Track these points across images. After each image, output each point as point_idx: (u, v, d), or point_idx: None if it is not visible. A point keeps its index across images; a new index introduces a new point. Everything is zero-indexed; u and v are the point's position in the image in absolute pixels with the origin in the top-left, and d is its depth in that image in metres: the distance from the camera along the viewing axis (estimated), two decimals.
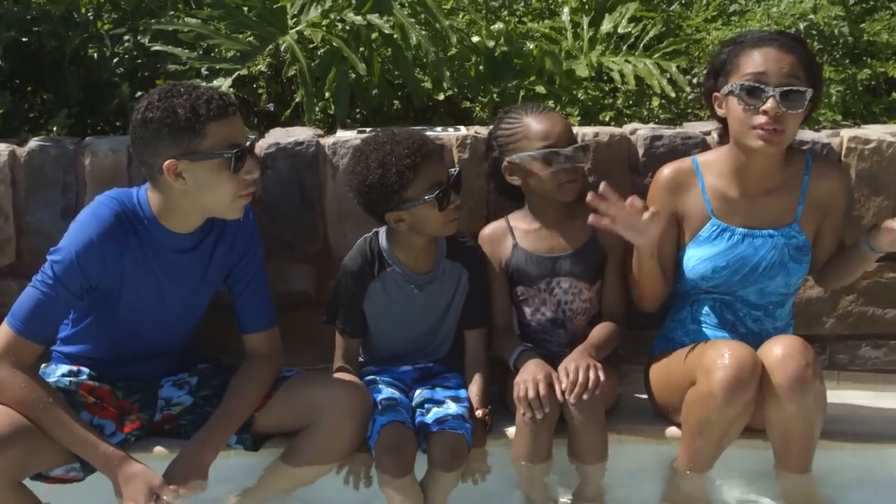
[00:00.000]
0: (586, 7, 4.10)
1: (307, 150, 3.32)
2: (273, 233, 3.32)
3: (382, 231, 3.14)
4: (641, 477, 3.06)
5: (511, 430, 3.02)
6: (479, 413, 3.05)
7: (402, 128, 3.24)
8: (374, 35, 3.71)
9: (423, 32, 3.60)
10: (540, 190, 3.11)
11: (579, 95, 3.76)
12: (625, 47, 3.91)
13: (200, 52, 3.66)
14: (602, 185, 2.78)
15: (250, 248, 2.99)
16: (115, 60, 3.72)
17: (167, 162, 2.70)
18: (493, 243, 3.20)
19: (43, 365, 2.97)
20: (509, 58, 3.83)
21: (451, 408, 3.01)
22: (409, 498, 2.87)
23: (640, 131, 3.40)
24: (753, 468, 2.98)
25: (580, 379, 2.90)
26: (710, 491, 2.96)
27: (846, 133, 3.40)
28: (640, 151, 3.37)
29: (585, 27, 3.98)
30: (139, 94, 3.68)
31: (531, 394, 2.90)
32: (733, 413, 2.77)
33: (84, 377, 2.93)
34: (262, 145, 3.32)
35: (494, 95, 3.74)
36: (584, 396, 2.88)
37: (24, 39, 3.63)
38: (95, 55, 3.73)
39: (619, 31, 3.95)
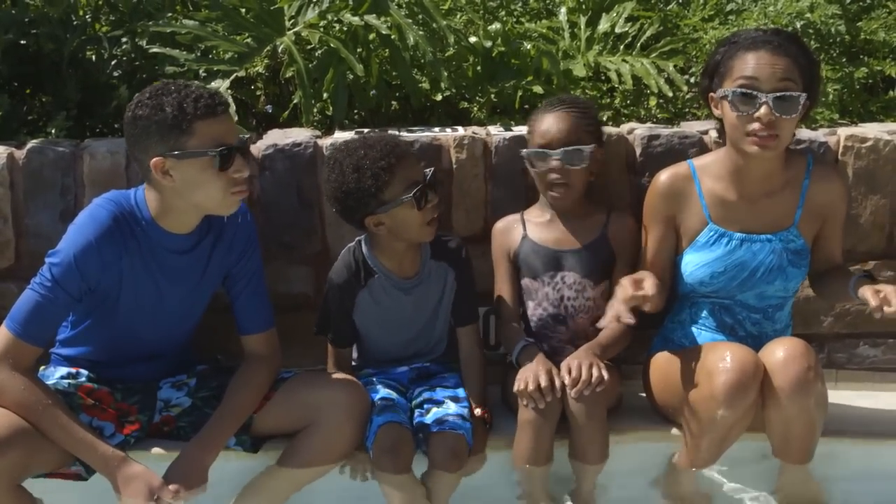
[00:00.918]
0: (583, 7, 4.09)
1: (305, 152, 3.32)
2: (271, 234, 3.33)
3: (364, 240, 3.14)
4: (641, 476, 3.07)
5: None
6: (477, 412, 3.06)
7: (373, 131, 3.25)
8: (371, 36, 3.71)
9: (421, 33, 3.60)
10: (538, 186, 3.16)
11: (577, 95, 3.75)
12: (622, 47, 3.91)
13: (198, 54, 3.65)
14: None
15: (248, 249, 3.00)
16: (112, 63, 3.72)
17: (154, 159, 2.71)
18: (505, 234, 3.23)
19: (42, 367, 2.98)
20: (507, 58, 3.82)
21: (451, 408, 3.02)
22: (408, 496, 2.88)
23: (637, 131, 3.41)
24: (753, 461, 2.99)
25: (583, 376, 2.89)
26: (710, 487, 2.96)
27: (843, 132, 3.40)
28: (638, 151, 3.37)
29: (582, 27, 3.98)
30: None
31: (531, 386, 2.89)
32: (735, 416, 2.77)
33: (83, 379, 2.94)
34: (260, 147, 3.32)
35: (492, 96, 3.73)
36: (586, 392, 2.88)
37: (22, 42, 3.64)
38: (93, 57, 3.74)
39: (617, 30, 3.94)
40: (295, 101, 3.64)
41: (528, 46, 3.83)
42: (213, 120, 2.71)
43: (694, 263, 3.02)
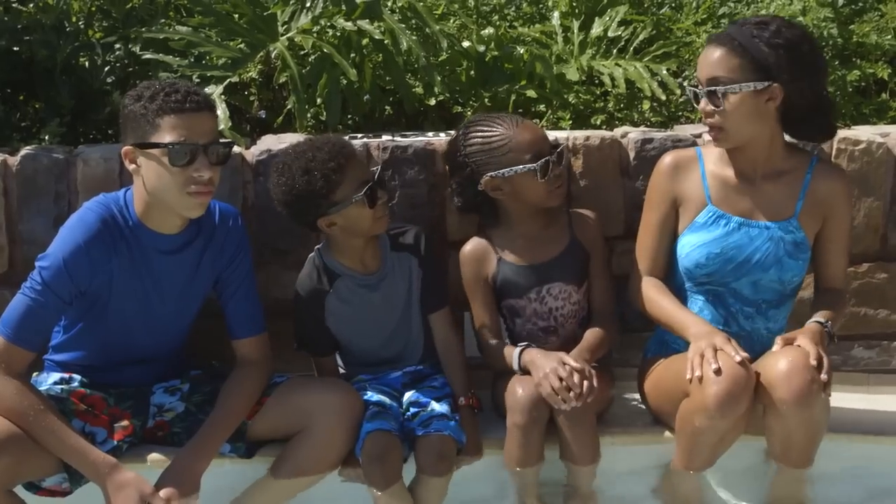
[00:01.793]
0: (576, 11, 4.10)
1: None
2: (265, 239, 3.33)
3: (322, 247, 3.14)
4: (636, 478, 3.07)
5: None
6: (461, 401, 3.05)
7: (319, 134, 3.25)
8: (364, 41, 3.71)
9: (414, 38, 3.60)
10: (530, 199, 3.10)
11: (570, 99, 3.76)
12: (615, 51, 3.92)
13: (191, 60, 3.65)
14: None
15: (239, 253, 3.00)
16: (106, 69, 3.72)
17: (124, 148, 2.77)
18: (478, 261, 3.17)
19: (35, 373, 2.97)
20: (500, 62, 3.83)
21: (435, 408, 3.02)
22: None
23: (631, 134, 3.41)
24: (749, 465, 2.99)
25: (573, 390, 2.86)
26: (705, 490, 2.96)
27: (836, 134, 3.40)
28: (632, 155, 3.37)
29: (575, 31, 3.98)
30: None
31: (556, 384, 2.86)
32: (726, 425, 2.76)
33: (76, 384, 2.94)
34: (254, 152, 3.32)
35: (486, 100, 3.74)
36: (577, 404, 2.86)
37: (15, 49, 3.63)
38: (87, 64, 3.74)
39: (610, 34, 3.95)
40: (288, 107, 3.64)
41: (522, 51, 3.83)
42: (179, 116, 2.72)
43: (691, 244, 3.01)
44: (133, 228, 2.85)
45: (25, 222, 3.29)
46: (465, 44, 3.89)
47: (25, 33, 3.65)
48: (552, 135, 3.26)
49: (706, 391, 2.73)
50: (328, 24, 3.68)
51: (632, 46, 3.91)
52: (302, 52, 3.71)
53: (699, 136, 3.37)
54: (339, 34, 3.68)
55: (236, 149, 3.21)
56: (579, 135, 3.39)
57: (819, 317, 2.91)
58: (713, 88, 2.84)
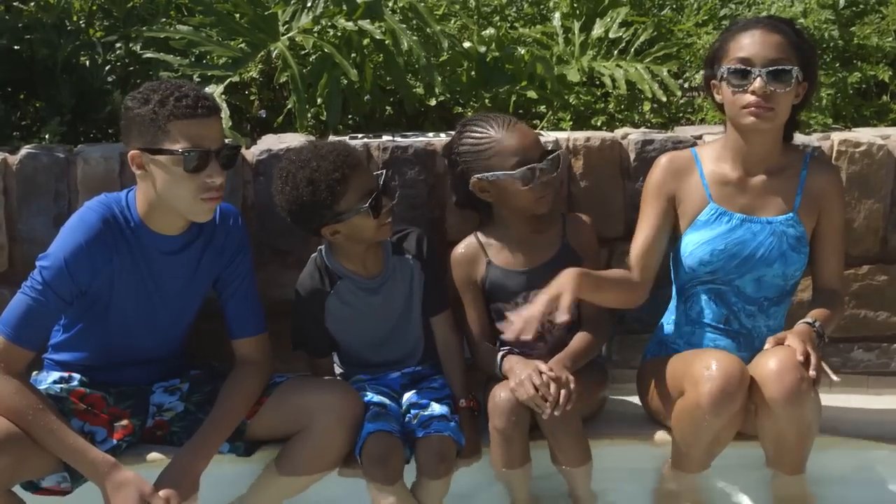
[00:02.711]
0: (577, 12, 4.10)
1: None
2: (266, 239, 3.33)
3: (326, 247, 3.14)
4: (633, 479, 3.08)
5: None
6: (462, 402, 3.05)
7: (324, 140, 3.23)
8: (365, 41, 3.71)
9: (415, 38, 3.60)
10: (515, 205, 3.09)
11: (571, 100, 3.76)
12: (616, 52, 3.92)
13: (192, 59, 3.65)
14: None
15: (239, 253, 3.00)
16: (106, 68, 3.72)
17: (131, 152, 2.74)
18: (468, 263, 3.16)
19: (34, 372, 2.97)
20: (501, 63, 3.83)
21: (435, 409, 3.02)
22: None
23: (631, 136, 3.41)
24: (745, 467, 2.99)
25: (551, 397, 2.84)
26: (702, 491, 2.96)
27: (837, 136, 3.41)
28: (632, 156, 3.37)
29: (576, 32, 3.98)
30: None
31: (530, 392, 2.85)
32: (721, 424, 2.77)
33: (75, 383, 2.94)
34: (255, 152, 3.32)
35: (486, 101, 3.74)
36: (556, 413, 2.84)
37: (15, 47, 3.64)
38: (87, 63, 3.73)
39: (611, 35, 3.95)
40: (289, 107, 3.64)
41: (523, 52, 3.83)
42: (190, 121, 2.71)
43: (694, 242, 3.02)
44: (135, 229, 2.85)
45: (25, 221, 3.29)
46: (466, 44, 3.89)
47: (26, 32, 3.65)
48: (553, 137, 3.25)
49: (700, 389, 2.74)
50: (329, 23, 3.68)
51: (633, 48, 3.91)
52: (303, 52, 3.71)
53: (699, 137, 3.38)
54: (339, 34, 3.68)
55: None
56: (580, 136, 3.39)
57: (810, 317, 2.91)
58: (782, 68, 2.85)
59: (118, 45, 3.77)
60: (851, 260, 3.43)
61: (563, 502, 3.03)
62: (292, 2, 3.72)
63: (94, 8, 3.97)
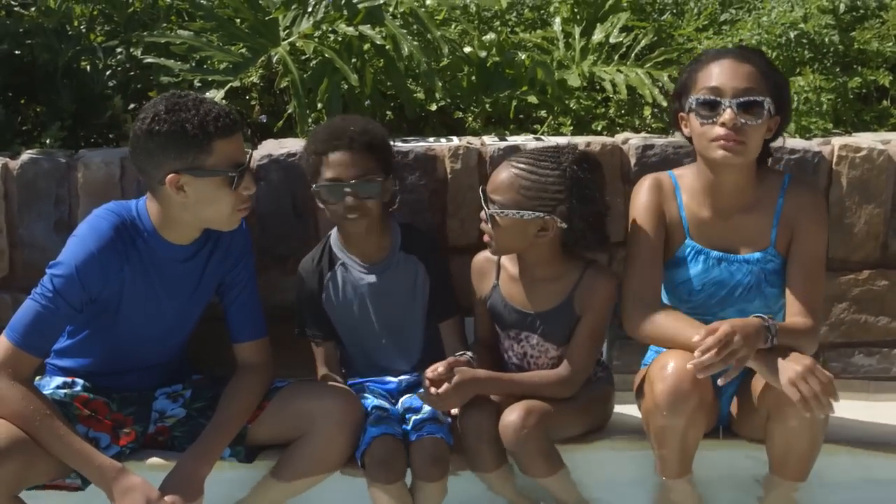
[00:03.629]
0: (578, 17, 4.11)
1: (300, 162, 3.32)
2: (266, 244, 3.33)
3: (333, 230, 3.16)
4: (636, 486, 3.06)
5: None
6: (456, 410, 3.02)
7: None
8: (366, 46, 3.72)
9: (415, 43, 3.61)
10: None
11: (571, 105, 3.76)
12: (616, 57, 3.92)
13: (193, 64, 3.66)
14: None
15: (243, 257, 3.01)
16: (107, 73, 3.72)
17: (170, 176, 2.71)
18: (481, 275, 3.14)
19: (38, 377, 2.97)
20: (501, 68, 3.83)
21: (426, 410, 3.01)
22: None
23: (631, 141, 3.41)
24: (744, 472, 3.00)
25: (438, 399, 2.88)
26: (700, 497, 2.95)
27: (837, 141, 3.41)
28: (633, 161, 3.37)
29: (577, 37, 3.99)
30: (132, 106, 3.71)
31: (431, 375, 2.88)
32: (681, 422, 2.75)
33: (79, 388, 2.94)
34: (255, 157, 3.32)
35: (487, 106, 3.74)
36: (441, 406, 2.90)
37: (16, 52, 3.64)
38: (88, 68, 3.74)
39: (611, 40, 3.96)
40: (289, 111, 3.64)
41: (523, 56, 3.84)
42: (230, 139, 2.74)
43: (672, 280, 2.99)
44: (147, 239, 2.85)
45: (26, 226, 3.29)
46: (467, 49, 3.90)
47: (27, 37, 3.65)
48: (553, 141, 3.25)
49: (655, 389, 2.74)
50: (330, 28, 3.69)
51: (633, 53, 3.92)
52: (303, 57, 3.71)
53: None
54: (340, 39, 3.69)
55: None
56: (580, 140, 3.39)
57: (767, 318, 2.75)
58: (753, 99, 2.77)
59: (119, 50, 3.77)
60: (852, 265, 3.43)
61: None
62: (293, 7, 3.72)
63: (95, 13, 3.98)
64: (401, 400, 3.15)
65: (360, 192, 2.97)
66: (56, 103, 3.59)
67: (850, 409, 3.33)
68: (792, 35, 3.87)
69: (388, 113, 3.82)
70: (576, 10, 4.12)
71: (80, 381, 2.96)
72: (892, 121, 3.80)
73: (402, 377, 3.21)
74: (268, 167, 3.30)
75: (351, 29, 3.60)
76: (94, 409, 2.91)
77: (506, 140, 3.42)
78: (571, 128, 3.67)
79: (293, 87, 3.51)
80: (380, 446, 2.89)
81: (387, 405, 3.08)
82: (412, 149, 3.35)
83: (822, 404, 2.61)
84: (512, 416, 2.88)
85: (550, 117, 3.73)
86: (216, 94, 3.46)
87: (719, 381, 2.67)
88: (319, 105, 3.59)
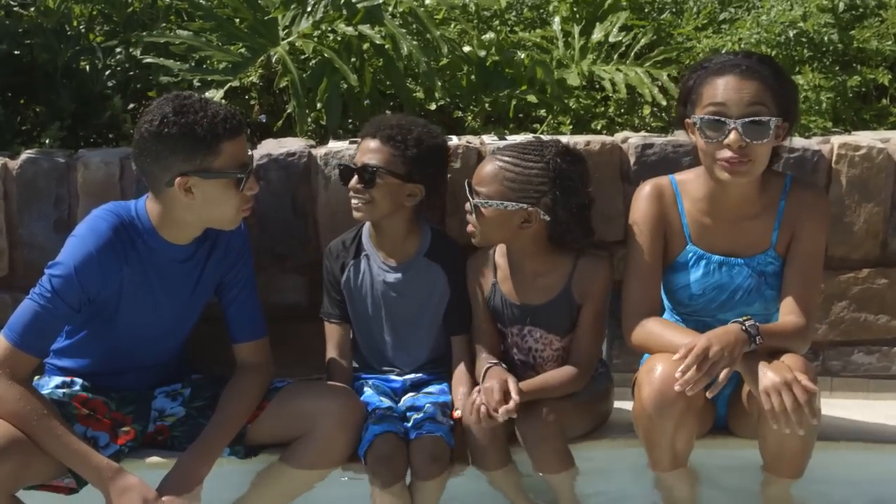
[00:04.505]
0: (577, 16, 4.11)
1: (299, 161, 3.32)
2: (265, 244, 3.33)
3: (368, 223, 3.18)
4: (637, 480, 3.06)
5: None
6: (457, 413, 3.03)
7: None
8: (365, 46, 3.72)
9: (415, 43, 3.61)
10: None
11: (571, 104, 3.76)
12: (616, 56, 3.92)
13: (192, 64, 3.66)
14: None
15: (241, 257, 3.01)
16: (107, 73, 3.72)
17: (179, 178, 2.71)
18: (478, 273, 3.14)
19: (36, 377, 2.97)
20: (501, 67, 3.83)
21: (428, 410, 3.02)
22: None
23: (631, 140, 3.41)
24: (742, 469, 2.99)
25: (481, 410, 2.85)
26: (699, 492, 2.96)
27: (836, 140, 3.41)
28: (632, 160, 3.37)
29: (576, 36, 3.99)
30: (131, 106, 3.70)
31: (479, 402, 2.86)
32: (669, 424, 2.75)
33: (77, 388, 2.94)
34: (255, 156, 3.32)
35: (486, 105, 3.74)
36: (484, 425, 2.86)
37: (16, 52, 3.64)
38: (87, 68, 3.74)
39: (611, 39, 3.96)
40: (289, 111, 3.64)
41: (522, 56, 3.84)
42: (236, 140, 2.75)
43: (673, 284, 2.99)
44: (147, 239, 2.85)
45: (25, 226, 3.29)
46: (466, 49, 3.90)
47: (26, 37, 3.66)
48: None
49: (642, 392, 2.75)
50: (329, 28, 3.69)
51: (632, 52, 3.92)
52: (303, 57, 3.71)
53: None
54: (339, 39, 3.69)
55: None
56: (580, 139, 3.39)
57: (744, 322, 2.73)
58: (759, 119, 2.72)
59: (118, 50, 3.78)
60: (852, 263, 3.43)
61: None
62: (292, 6, 3.72)
63: (95, 13, 3.98)
64: (403, 398, 3.16)
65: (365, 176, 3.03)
66: (55, 103, 3.59)
67: (850, 407, 3.34)
68: (791, 34, 3.87)
69: (388, 112, 3.82)
70: (575, 9, 4.12)
71: (78, 380, 2.96)
72: (891, 119, 3.80)
73: (406, 377, 3.22)
74: (267, 167, 3.30)
75: (350, 28, 3.60)
76: (93, 409, 2.91)
77: (505, 139, 3.42)
78: (571, 127, 3.67)
79: (292, 86, 3.51)
80: (382, 444, 2.90)
81: (390, 403, 3.09)
82: None
83: (792, 421, 2.58)
84: (533, 413, 2.90)
85: (550, 116, 3.73)
86: (215, 94, 3.46)
87: (707, 394, 2.66)
88: (319, 105, 3.59)
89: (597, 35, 3.98)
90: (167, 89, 3.64)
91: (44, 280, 2.77)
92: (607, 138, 3.44)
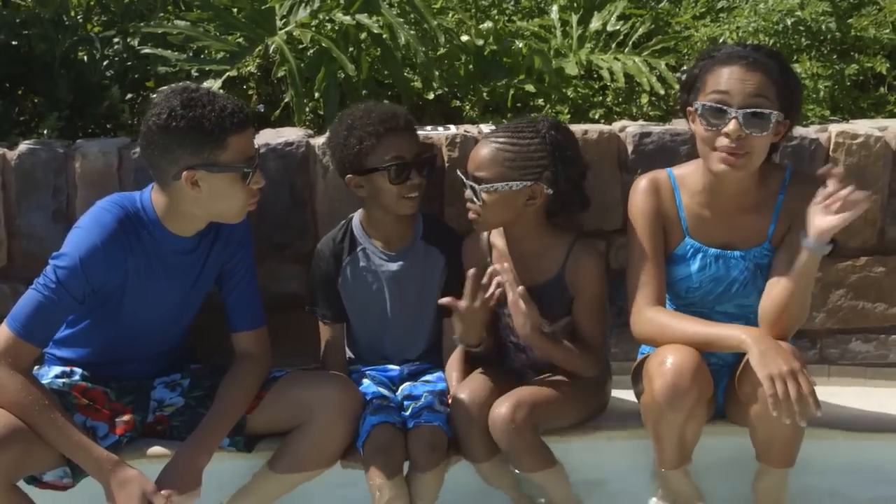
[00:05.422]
0: (575, 5, 4.10)
1: (297, 151, 3.33)
2: (264, 233, 3.33)
3: (357, 213, 3.19)
4: (635, 475, 3.07)
5: None
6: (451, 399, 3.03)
7: (381, 103, 3.33)
8: (363, 35, 3.72)
9: (412, 32, 3.61)
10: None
11: (569, 93, 3.76)
12: (614, 45, 3.92)
13: (190, 54, 3.66)
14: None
15: (242, 246, 3.02)
16: (104, 63, 3.72)
17: (186, 172, 2.72)
18: (472, 254, 3.13)
19: (36, 367, 2.97)
20: (498, 57, 3.83)
21: (426, 399, 3.03)
22: (396, 498, 2.87)
23: (629, 129, 3.41)
24: (739, 458, 2.99)
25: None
26: (698, 483, 2.96)
27: (834, 128, 3.41)
28: (630, 149, 3.38)
29: (574, 25, 3.99)
30: (129, 96, 3.70)
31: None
32: (680, 417, 2.76)
33: (77, 378, 2.94)
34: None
35: (484, 94, 3.74)
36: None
37: (13, 43, 3.63)
38: (85, 58, 3.74)
39: (608, 28, 3.95)
40: (287, 101, 3.64)
41: (520, 45, 3.84)
42: (243, 133, 2.76)
43: (670, 276, 2.98)
44: (151, 230, 2.85)
45: (24, 216, 3.30)
46: (464, 38, 3.90)
47: (24, 27, 3.65)
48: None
49: (654, 384, 2.74)
50: (326, 18, 3.68)
51: (630, 41, 3.92)
52: (300, 46, 3.71)
53: None
54: (337, 28, 3.69)
55: None
56: (578, 129, 3.38)
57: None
58: (760, 111, 2.71)
59: (116, 40, 3.77)
60: (849, 251, 3.43)
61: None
62: None
63: (92, 3, 3.97)
64: (401, 388, 3.16)
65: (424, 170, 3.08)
66: (53, 93, 3.59)
67: (847, 395, 3.35)
68: (789, 22, 3.86)
69: (385, 102, 3.81)
70: None
71: (78, 370, 2.97)
72: (888, 107, 3.80)
73: (404, 365, 3.22)
74: (265, 156, 3.30)
75: (348, 18, 3.60)
76: (93, 399, 2.92)
77: None
78: (569, 116, 3.67)
79: (290, 76, 3.51)
80: (379, 434, 2.90)
81: (387, 393, 3.09)
82: None
83: (791, 411, 2.59)
84: (501, 409, 2.89)
85: (548, 105, 3.73)
86: (213, 84, 3.46)
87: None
88: (316, 94, 3.59)
89: (595, 24, 3.98)
90: (165, 79, 3.65)
91: (48, 271, 2.77)
92: (605, 127, 3.44)
